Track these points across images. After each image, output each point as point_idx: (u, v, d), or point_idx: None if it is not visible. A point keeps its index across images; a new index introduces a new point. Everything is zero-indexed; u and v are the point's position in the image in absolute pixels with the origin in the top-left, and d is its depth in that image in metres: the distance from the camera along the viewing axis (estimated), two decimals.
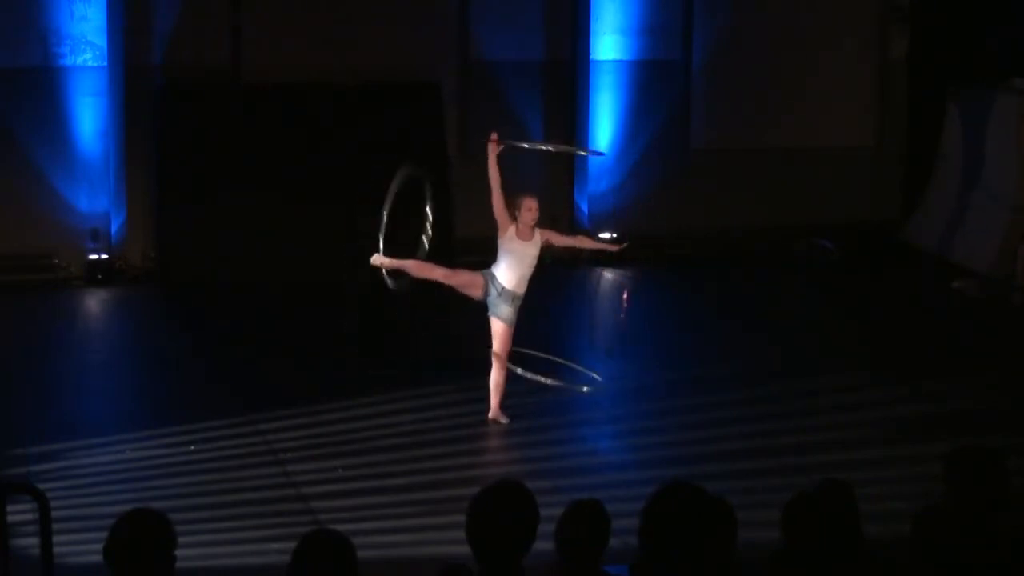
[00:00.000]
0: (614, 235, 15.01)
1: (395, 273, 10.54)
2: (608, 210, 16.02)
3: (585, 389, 10.79)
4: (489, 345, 10.49)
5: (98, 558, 4.93)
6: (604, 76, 16.12)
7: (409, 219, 10.67)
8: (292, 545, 4.80)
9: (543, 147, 13.34)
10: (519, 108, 15.90)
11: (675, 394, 11.33)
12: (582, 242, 12.02)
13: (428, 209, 10.64)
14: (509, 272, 10.36)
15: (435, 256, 10.75)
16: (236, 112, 15.01)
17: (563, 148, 14.54)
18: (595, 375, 10.93)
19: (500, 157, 10.37)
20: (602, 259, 15.19)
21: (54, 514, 6.97)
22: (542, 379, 10.51)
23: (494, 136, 10.49)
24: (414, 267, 10.46)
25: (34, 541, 7.25)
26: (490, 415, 10.63)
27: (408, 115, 15.21)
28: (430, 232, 10.62)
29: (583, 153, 15.56)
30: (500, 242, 10.42)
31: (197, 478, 9.52)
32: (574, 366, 11.00)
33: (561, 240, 11.11)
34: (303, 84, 15.15)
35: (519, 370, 10.44)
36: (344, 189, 14.77)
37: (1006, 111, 15.53)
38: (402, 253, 10.57)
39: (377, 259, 10.41)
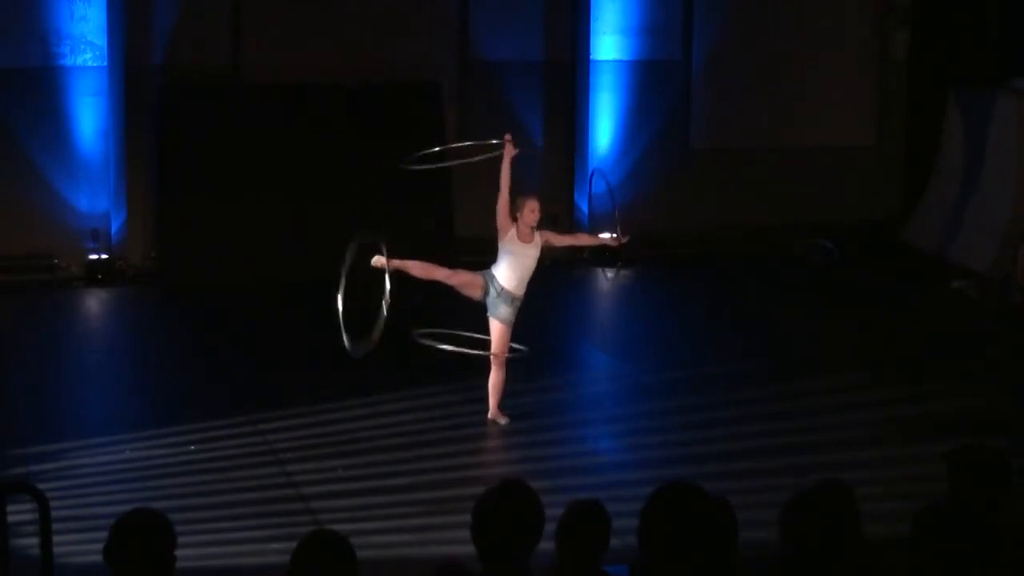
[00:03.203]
0: (614, 235, 14.97)
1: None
2: (608, 210, 16.00)
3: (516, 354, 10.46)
4: (488, 345, 10.48)
5: (98, 558, 4.93)
6: (604, 76, 16.12)
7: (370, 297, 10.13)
8: (292, 545, 4.80)
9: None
10: (519, 108, 15.90)
11: (675, 394, 11.32)
12: (582, 240, 11.98)
13: (386, 282, 10.05)
14: (509, 273, 10.35)
15: (434, 260, 10.68)
16: (236, 112, 15.02)
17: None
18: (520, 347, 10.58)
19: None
20: (603, 257, 15.18)
21: (54, 514, 6.97)
22: (469, 351, 10.31)
23: (508, 137, 10.47)
24: (417, 267, 10.42)
25: (34, 541, 7.25)
26: (490, 415, 10.61)
27: (408, 115, 15.21)
28: (385, 308, 9.95)
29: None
30: (501, 244, 10.39)
31: (197, 478, 9.51)
32: (477, 336, 10.59)
33: (561, 240, 11.10)
34: (303, 84, 15.15)
35: (445, 347, 10.26)
36: (344, 189, 14.76)
37: (1006, 111, 15.52)
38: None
39: (379, 260, 10.33)
